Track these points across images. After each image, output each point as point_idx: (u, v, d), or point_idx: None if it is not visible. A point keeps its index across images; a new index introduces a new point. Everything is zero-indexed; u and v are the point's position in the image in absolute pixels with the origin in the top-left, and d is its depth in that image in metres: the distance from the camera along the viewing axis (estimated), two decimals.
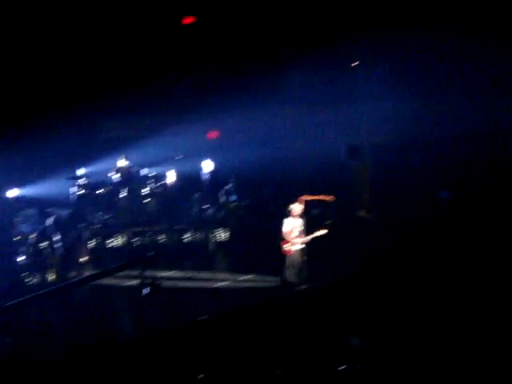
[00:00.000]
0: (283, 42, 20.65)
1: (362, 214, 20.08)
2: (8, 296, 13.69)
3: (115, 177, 19.73)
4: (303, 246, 14.48)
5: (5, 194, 19.19)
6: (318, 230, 14.44)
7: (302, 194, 14.95)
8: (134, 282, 14.04)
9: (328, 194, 15.08)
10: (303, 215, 14.61)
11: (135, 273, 13.82)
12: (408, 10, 19.64)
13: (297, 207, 14.51)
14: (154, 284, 10.09)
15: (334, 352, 10.35)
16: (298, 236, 14.43)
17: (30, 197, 19.17)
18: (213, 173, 20.36)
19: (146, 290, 10.10)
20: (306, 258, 14.54)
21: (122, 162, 19.83)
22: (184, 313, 13.37)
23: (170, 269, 16.63)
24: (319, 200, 15.22)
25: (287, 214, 14.51)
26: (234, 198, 20.04)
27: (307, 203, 14.80)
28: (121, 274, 14.63)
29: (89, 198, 19.41)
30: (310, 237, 14.44)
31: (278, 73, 20.74)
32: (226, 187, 20.03)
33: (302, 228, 14.50)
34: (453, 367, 9.44)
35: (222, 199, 19.90)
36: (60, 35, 19.65)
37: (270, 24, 20.61)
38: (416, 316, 11.91)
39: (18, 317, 12.99)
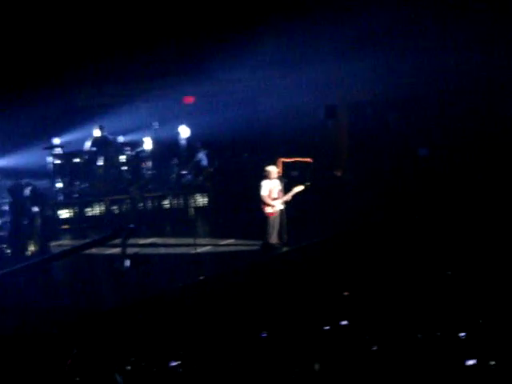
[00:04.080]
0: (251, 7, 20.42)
1: (338, 173, 20.12)
2: None
3: (91, 145, 19.53)
4: (283, 206, 14.49)
5: None
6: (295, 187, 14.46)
7: (280, 156, 14.95)
8: (115, 251, 14.03)
9: (306, 155, 15.04)
10: (281, 177, 14.60)
11: (117, 241, 13.81)
12: None
13: (273, 169, 14.49)
14: (135, 256, 10.06)
15: (319, 312, 10.39)
16: (277, 197, 14.43)
17: (6, 168, 19.01)
18: (189, 138, 20.23)
19: (126, 263, 10.07)
20: (285, 219, 14.57)
21: (98, 132, 19.61)
22: (166, 280, 13.36)
23: (150, 236, 16.60)
24: (297, 161, 15.18)
25: (264, 176, 14.47)
26: (211, 162, 19.99)
27: (285, 165, 14.78)
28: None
29: (65, 168, 19.24)
30: (288, 195, 14.46)
31: (249, 36, 20.46)
32: (204, 152, 19.97)
33: (280, 188, 14.49)
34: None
35: (200, 164, 19.85)
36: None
37: None
38: (398, 271, 11.99)
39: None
